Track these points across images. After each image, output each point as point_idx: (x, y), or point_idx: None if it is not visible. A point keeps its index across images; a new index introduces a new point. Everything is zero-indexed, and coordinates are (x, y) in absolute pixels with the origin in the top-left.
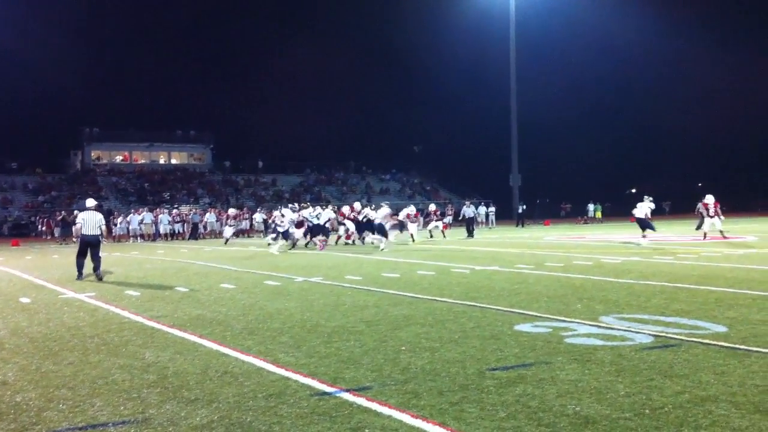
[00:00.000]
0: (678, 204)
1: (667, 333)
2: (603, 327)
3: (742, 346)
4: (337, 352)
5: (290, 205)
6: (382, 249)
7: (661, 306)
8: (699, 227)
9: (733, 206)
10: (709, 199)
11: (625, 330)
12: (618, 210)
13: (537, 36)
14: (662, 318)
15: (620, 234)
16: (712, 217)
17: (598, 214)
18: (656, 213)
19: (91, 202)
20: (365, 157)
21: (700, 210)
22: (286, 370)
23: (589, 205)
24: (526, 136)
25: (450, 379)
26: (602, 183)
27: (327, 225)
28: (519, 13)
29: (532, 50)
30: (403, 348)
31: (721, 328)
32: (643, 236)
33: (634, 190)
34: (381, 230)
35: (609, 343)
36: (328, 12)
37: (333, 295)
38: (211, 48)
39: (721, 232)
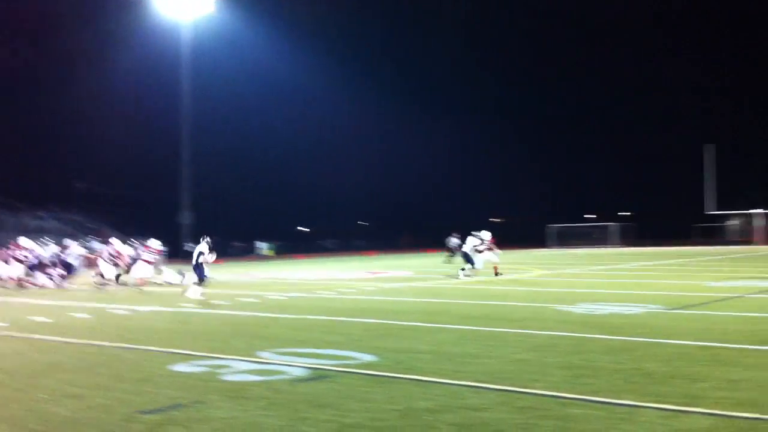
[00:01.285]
0: (344, 242)
1: (320, 365)
2: (260, 362)
3: (386, 374)
4: None
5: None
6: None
7: (318, 339)
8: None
9: (388, 243)
10: (486, 235)
11: (280, 364)
12: (289, 248)
13: (212, 80)
14: (318, 350)
15: (296, 271)
16: (481, 252)
17: (270, 252)
18: (352, 249)
19: None
20: (18, 193)
21: (450, 245)
22: None
23: (259, 242)
24: (199, 172)
25: (94, 426)
26: (273, 221)
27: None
28: (194, 50)
29: (205, 90)
30: (44, 396)
31: (370, 358)
32: (463, 270)
33: (307, 229)
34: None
35: (264, 378)
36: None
37: None
38: None
39: (495, 267)
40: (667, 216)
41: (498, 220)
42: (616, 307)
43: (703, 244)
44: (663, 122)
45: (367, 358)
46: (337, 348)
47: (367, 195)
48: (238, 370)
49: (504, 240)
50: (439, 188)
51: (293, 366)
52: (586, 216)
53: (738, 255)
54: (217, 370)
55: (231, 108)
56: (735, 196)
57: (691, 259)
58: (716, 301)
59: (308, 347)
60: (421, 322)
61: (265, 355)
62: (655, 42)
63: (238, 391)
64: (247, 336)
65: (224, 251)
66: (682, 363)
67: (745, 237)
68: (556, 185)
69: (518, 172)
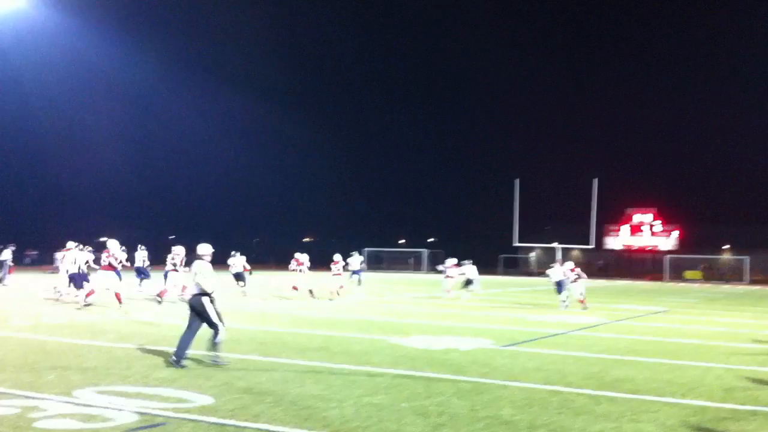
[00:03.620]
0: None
1: (151, 409)
2: (79, 404)
3: (231, 421)
4: None
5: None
6: None
7: (143, 374)
8: None
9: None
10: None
11: (105, 407)
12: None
13: None
14: (145, 389)
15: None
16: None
17: None
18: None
19: None
20: None
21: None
22: None
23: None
24: None
25: None
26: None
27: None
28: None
29: None
30: None
31: (208, 399)
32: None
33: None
34: None
35: (87, 426)
36: None
37: None
38: None
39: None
40: (474, 244)
41: (309, 239)
42: (449, 341)
43: (508, 274)
44: (481, 156)
45: (204, 399)
46: (167, 386)
47: (164, 203)
48: (54, 413)
49: (319, 261)
50: (250, 203)
51: (121, 410)
52: (400, 242)
53: (541, 287)
54: (31, 414)
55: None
56: (539, 229)
57: (501, 290)
58: (543, 337)
59: (134, 384)
60: (255, 354)
61: (84, 394)
62: (474, 78)
63: None
64: (60, 367)
65: (20, 259)
66: (537, 410)
67: (545, 269)
68: (370, 209)
69: (332, 193)
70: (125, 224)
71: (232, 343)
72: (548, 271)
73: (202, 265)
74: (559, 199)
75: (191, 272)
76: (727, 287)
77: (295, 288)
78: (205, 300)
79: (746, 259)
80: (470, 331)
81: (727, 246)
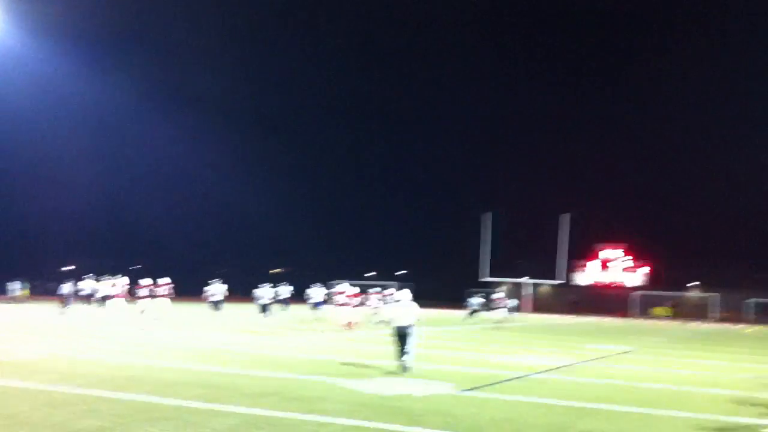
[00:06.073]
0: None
1: None
2: None
3: None
4: None
5: None
6: None
7: (76, 426)
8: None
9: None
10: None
11: None
12: (46, 289)
13: None
14: None
15: None
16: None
17: (25, 293)
18: None
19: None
20: None
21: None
22: None
23: (12, 282)
24: None
25: None
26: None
27: None
28: None
29: None
30: None
31: None
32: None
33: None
34: None
35: None
36: None
37: None
38: None
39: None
40: (442, 279)
41: (278, 270)
42: (411, 386)
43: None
44: (445, 189)
45: None
46: None
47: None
48: None
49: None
50: (220, 232)
51: None
52: (365, 275)
53: (509, 324)
54: None
55: None
56: (507, 264)
57: (460, 327)
58: (506, 380)
59: None
60: (202, 401)
61: None
62: (446, 110)
63: None
64: None
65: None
66: None
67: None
68: (337, 241)
69: (302, 225)
70: (90, 253)
71: (176, 386)
72: (469, 300)
73: (412, 303)
74: (529, 234)
75: (398, 308)
76: (694, 325)
77: None
78: (416, 329)
79: (717, 297)
80: (427, 374)
81: (697, 283)
